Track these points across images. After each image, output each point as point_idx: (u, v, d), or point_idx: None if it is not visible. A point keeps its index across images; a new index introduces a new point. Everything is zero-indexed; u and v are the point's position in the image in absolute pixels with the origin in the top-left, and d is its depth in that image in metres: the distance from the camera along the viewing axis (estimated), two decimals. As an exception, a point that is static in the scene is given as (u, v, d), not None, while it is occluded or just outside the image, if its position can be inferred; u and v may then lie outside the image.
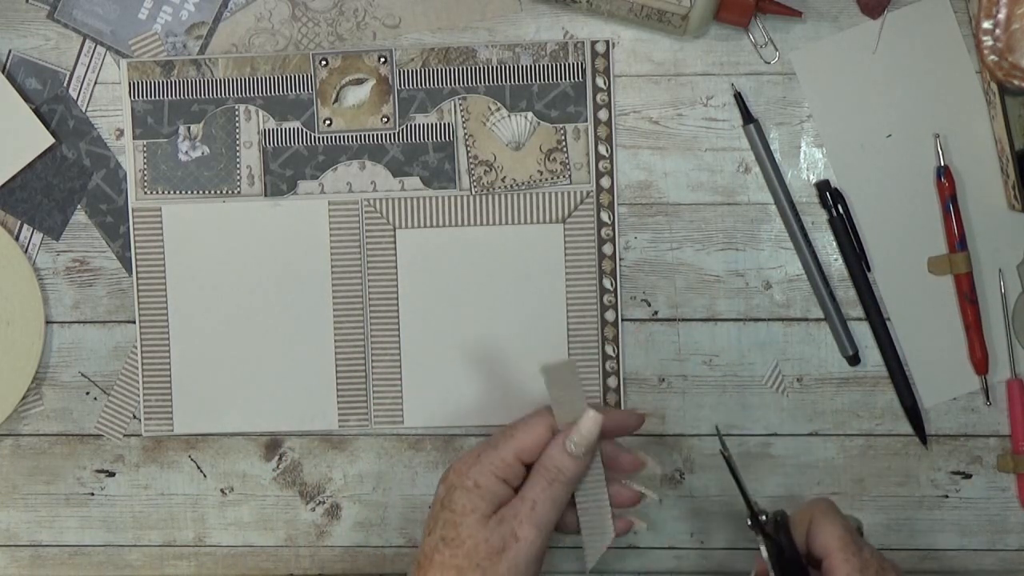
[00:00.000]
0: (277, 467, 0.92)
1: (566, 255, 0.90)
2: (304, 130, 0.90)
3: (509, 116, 0.89)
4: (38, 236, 0.92)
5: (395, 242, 0.90)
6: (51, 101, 0.91)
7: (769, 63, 0.89)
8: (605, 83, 0.89)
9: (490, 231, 0.90)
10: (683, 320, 0.90)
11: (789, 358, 0.90)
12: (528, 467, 0.79)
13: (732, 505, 0.91)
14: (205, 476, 0.93)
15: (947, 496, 0.90)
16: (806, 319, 0.90)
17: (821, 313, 0.89)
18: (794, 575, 0.77)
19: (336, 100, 0.90)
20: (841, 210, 0.88)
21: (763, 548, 0.78)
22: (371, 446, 0.92)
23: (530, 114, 0.89)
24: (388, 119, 0.90)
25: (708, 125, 0.89)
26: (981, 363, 0.88)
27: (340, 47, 0.90)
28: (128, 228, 0.91)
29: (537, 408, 0.81)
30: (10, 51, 0.91)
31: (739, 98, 0.89)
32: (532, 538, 0.77)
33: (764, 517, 0.79)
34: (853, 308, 0.89)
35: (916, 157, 0.88)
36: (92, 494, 0.93)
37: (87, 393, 0.93)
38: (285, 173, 0.91)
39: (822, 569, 0.77)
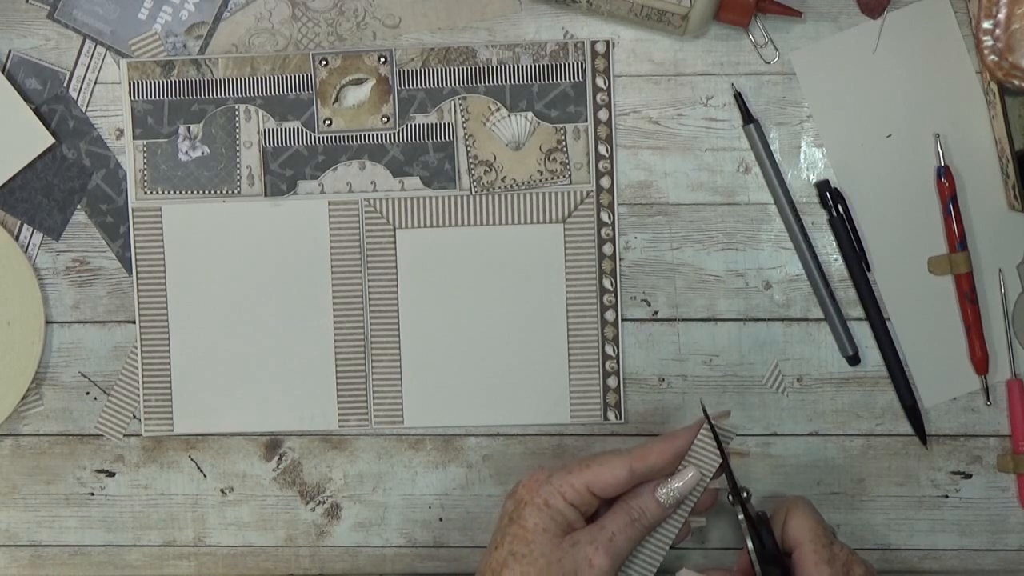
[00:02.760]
0: (277, 467, 0.92)
1: (566, 255, 0.90)
2: (304, 130, 0.90)
3: (509, 116, 0.89)
4: (38, 236, 0.92)
5: (395, 242, 0.90)
6: (51, 101, 0.91)
7: (769, 63, 0.89)
8: (605, 83, 0.89)
9: (490, 231, 0.90)
10: (683, 320, 0.90)
11: (789, 358, 0.90)
12: (597, 498, 0.79)
13: (732, 505, 0.90)
14: (205, 476, 0.93)
15: (947, 496, 0.90)
16: (806, 319, 0.90)
17: (821, 313, 0.89)
18: (774, 566, 0.79)
19: (336, 100, 0.90)
20: (841, 210, 0.88)
21: (745, 531, 0.79)
22: (371, 446, 0.92)
23: (530, 114, 0.89)
24: (388, 119, 0.90)
25: (708, 125, 0.89)
26: (981, 363, 0.88)
27: (340, 47, 0.90)
28: (128, 228, 0.91)
29: (619, 448, 0.81)
30: (10, 51, 0.91)
31: (739, 98, 0.89)
32: (606, 568, 0.77)
33: (746, 494, 0.80)
34: (853, 308, 0.89)
35: (916, 157, 0.88)
36: (92, 494, 0.93)
37: (87, 393, 0.93)
38: (285, 173, 0.91)
39: (793, 560, 0.79)
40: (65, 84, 0.91)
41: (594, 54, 0.89)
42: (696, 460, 0.80)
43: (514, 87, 0.89)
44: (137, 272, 0.91)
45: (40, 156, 0.91)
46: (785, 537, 0.80)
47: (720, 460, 0.80)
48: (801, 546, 0.79)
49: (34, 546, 0.94)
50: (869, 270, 0.89)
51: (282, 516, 0.93)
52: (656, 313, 0.90)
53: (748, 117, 0.89)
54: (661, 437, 0.80)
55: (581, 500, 0.79)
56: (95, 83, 0.91)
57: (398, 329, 0.91)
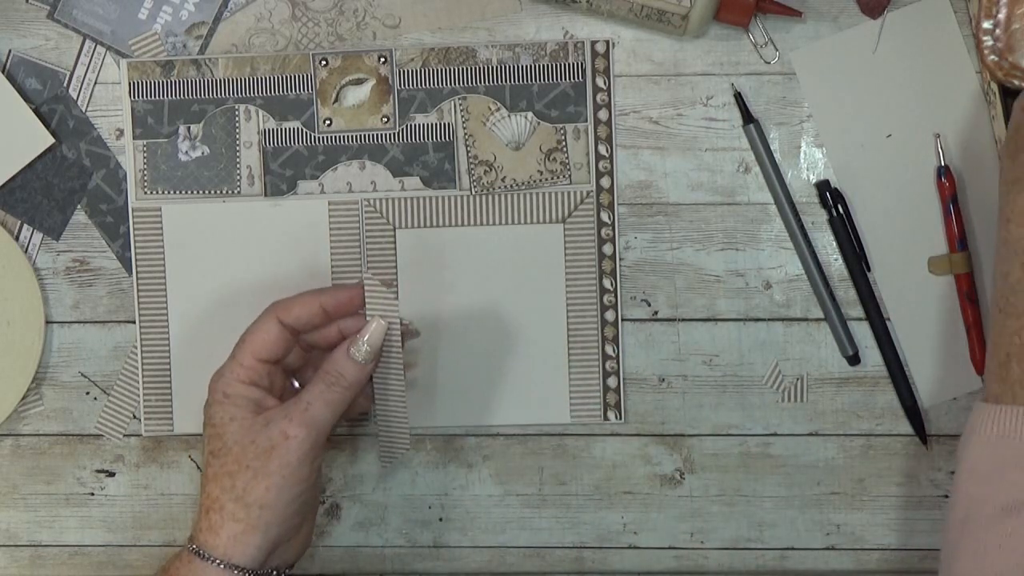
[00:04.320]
0: (277, 467, 0.92)
1: (566, 255, 0.90)
2: (304, 130, 0.90)
3: (509, 116, 0.89)
4: (38, 236, 0.92)
5: (395, 242, 0.90)
6: (51, 101, 0.91)
7: (769, 63, 0.89)
8: (605, 83, 0.89)
9: (490, 231, 0.90)
10: (683, 320, 0.90)
11: (789, 358, 0.90)
12: (271, 363, 0.80)
13: (732, 505, 0.91)
14: (205, 476, 0.93)
15: (947, 496, 0.90)
16: (806, 319, 0.90)
17: (821, 313, 0.89)
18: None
19: (336, 100, 0.90)
20: (841, 210, 0.88)
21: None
22: (371, 446, 0.92)
23: (530, 114, 0.89)
24: (388, 119, 0.90)
25: (708, 125, 0.89)
26: (981, 363, 0.88)
27: (340, 47, 0.90)
28: (128, 228, 0.91)
29: (271, 304, 0.82)
30: (10, 51, 0.91)
31: (739, 98, 0.89)
32: (302, 436, 0.77)
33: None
34: (853, 308, 0.89)
35: (916, 157, 0.88)
36: (92, 494, 0.93)
37: (87, 393, 0.93)
38: (285, 173, 0.91)
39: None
40: (65, 84, 0.91)
41: (594, 54, 0.89)
42: (375, 312, 0.80)
43: (514, 87, 0.89)
44: (137, 272, 0.91)
45: (40, 156, 0.91)
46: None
47: (396, 302, 0.80)
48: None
49: (34, 546, 0.94)
50: (869, 270, 0.89)
51: (282, 516, 0.92)
52: (656, 313, 0.90)
53: (748, 117, 0.89)
54: (310, 290, 0.81)
55: (257, 374, 0.79)
56: (95, 83, 0.91)
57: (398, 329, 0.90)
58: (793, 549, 0.91)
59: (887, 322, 0.89)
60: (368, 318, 0.80)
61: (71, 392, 0.93)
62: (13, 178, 0.91)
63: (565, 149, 0.89)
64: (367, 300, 0.80)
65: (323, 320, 0.81)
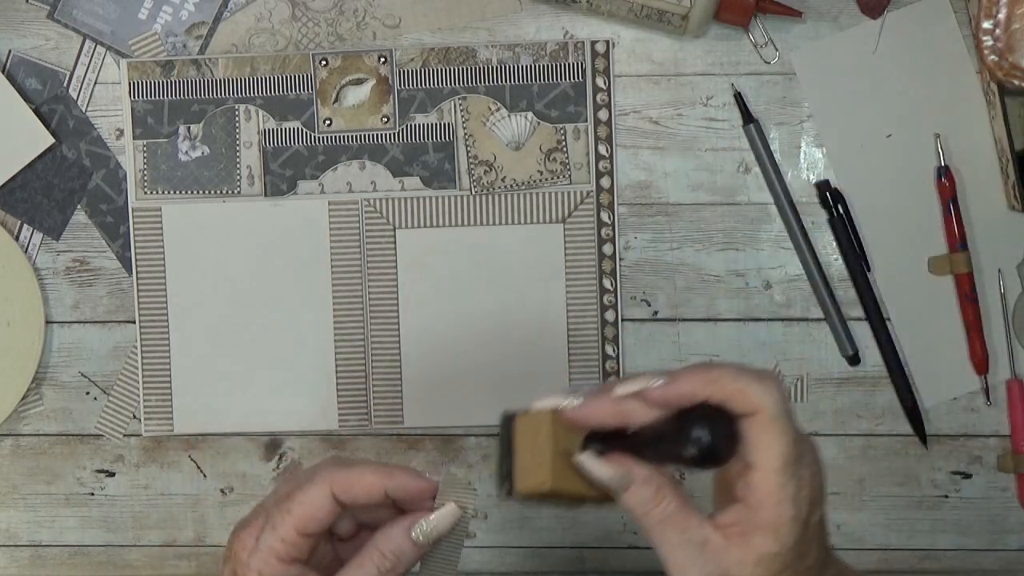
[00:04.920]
0: (277, 467, 0.92)
1: (566, 255, 0.90)
2: (304, 130, 0.90)
3: (509, 116, 0.89)
4: (38, 236, 0.92)
5: (395, 242, 0.90)
6: (51, 101, 0.91)
7: (769, 63, 0.89)
8: (605, 83, 0.89)
9: (490, 231, 0.90)
10: (683, 320, 0.90)
11: (789, 358, 0.90)
12: (317, 536, 0.67)
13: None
14: (205, 476, 0.93)
15: (947, 496, 0.90)
16: (806, 319, 0.90)
17: (821, 313, 0.89)
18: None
19: (336, 100, 0.90)
20: (841, 210, 0.88)
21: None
22: (371, 446, 0.92)
23: (530, 114, 0.89)
24: (388, 119, 0.90)
25: (708, 125, 0.89)
26: (981, 363, 0.88)
27: (340, 47, 0.90)
28: (128, 228, 0.91)
29: (315, 467, 0.68)
30: (10, 51, 0.91)
31: (739, 98, 0.88)
32: None
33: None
34: (853, 308, 0.89)
35: (916, 157, 0.88)
36: (92, 494, 0.93)
37: (87, 393, 0.93)
38: (285, 173, 0.91)
39: (744, 472, 0.63)
40: (65, 84, 0.91)
41: (594, 54, 0.89)
42: (449, 496, 0.68)
43: (514, 87, 0.89)
44: (137, 272, 0.91)
45: (40, 156, 0.91)
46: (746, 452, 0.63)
47: (475, 495, 0.68)
48: (765, 475, 0.62)
49: (34, 546, 0.94)
50: (869, 270, 0.89)
51: (282, 516, 0.92)
52: (656, 313, 0.90)
53: (748, 117, 0.89)
54: (375, 466, 0.67)
55: (298, 550, 0.66)
56: (95, 83, 0.91)
57: (398, 329, 0.91)
58: (793, 549, 0.91)
59: (887, 322, 0.89)
60: (439, 502, 0.67)
61: (71, 392, 0.93)
62: (13, 178, 0.91)
63: (565, 149, 0.89)
64: (441, 486, 0.68)
65: (383, 503, 0.67)
